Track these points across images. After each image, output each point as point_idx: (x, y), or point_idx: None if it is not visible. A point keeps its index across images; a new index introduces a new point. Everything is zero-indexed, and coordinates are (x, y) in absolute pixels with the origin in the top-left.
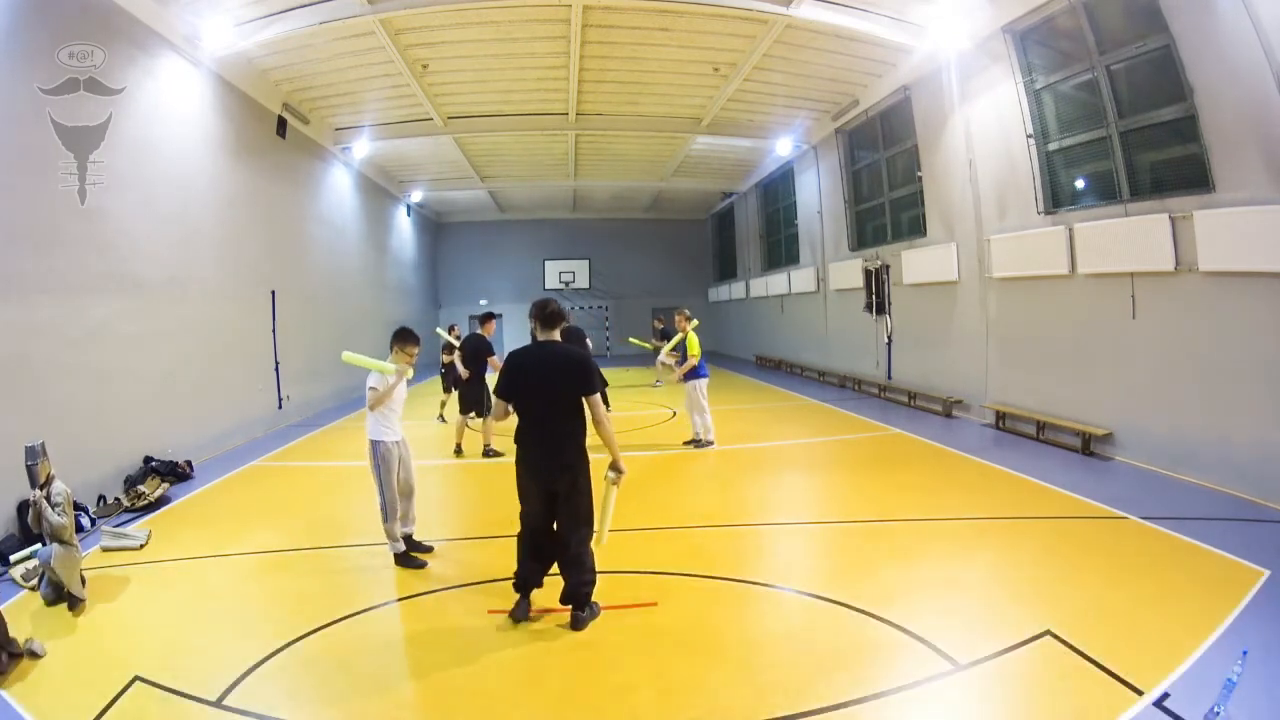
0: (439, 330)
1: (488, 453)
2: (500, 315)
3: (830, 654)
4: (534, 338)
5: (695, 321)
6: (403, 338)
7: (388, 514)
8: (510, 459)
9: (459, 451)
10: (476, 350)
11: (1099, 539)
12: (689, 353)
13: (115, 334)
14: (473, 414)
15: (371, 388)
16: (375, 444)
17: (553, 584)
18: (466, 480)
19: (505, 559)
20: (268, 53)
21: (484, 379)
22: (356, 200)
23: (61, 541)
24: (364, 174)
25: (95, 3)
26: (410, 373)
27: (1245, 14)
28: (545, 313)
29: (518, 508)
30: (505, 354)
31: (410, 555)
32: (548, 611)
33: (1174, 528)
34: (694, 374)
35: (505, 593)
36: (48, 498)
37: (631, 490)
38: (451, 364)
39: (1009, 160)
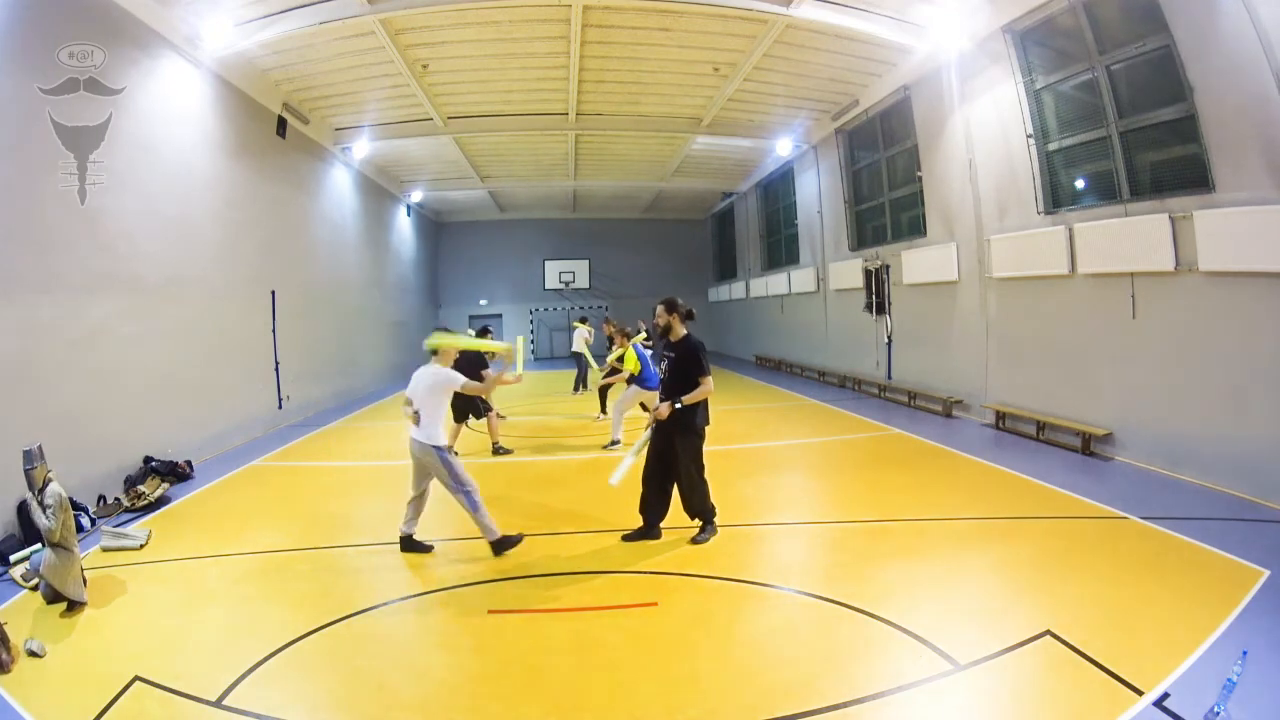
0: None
1: (497, 450)
2: (500, 315)
3: (830, 654)
4: (664, 332)
5: (641, 335)
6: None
7: (477, 506)
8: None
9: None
10: (471, 364)
11: (1099, 539)
12: (625, 366)
13: (115, 334)
14: (470, 418)
15: (463, 382)
16: (438, 450)
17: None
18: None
19: (504, 558)
20: (268, 53)
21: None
22: (356, 200)
23: (53, 545)
24: (364, 174)
25: (95, 3)
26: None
27: (1245, 14)
28: (689, 310)
29: (514, 508)
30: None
31: (505, 539)
32: (548, 611)
33: (1174, 528)
34: (638, 381)
35: (506, 593)
36: (41, 501)
37: (630, 490)
38: None
39: (1009, 160)
